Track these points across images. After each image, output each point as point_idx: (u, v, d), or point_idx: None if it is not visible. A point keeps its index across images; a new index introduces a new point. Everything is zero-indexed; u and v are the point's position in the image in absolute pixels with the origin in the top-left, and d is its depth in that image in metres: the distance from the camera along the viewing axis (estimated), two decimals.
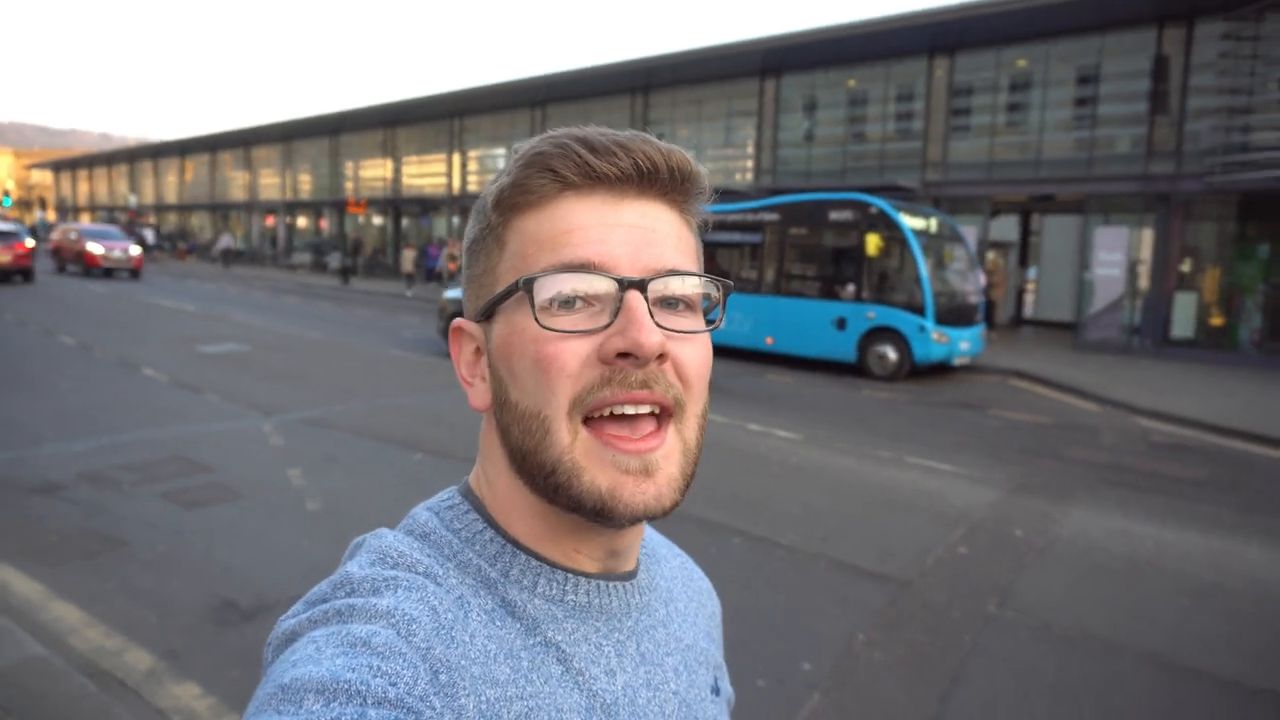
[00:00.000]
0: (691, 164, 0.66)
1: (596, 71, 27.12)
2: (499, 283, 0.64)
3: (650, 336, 0.59)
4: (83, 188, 70.00)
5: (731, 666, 3.92)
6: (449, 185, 34.49)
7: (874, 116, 22.55)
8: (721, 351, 15.36)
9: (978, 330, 13.92)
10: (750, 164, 25.43)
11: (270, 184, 46.31)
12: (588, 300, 0.61)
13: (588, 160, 0.62)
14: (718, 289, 0.67)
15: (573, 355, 0.60)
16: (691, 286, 0.64)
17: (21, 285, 23.13)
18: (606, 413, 0.60)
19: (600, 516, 0.60)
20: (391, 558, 0.61)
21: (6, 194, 59.74)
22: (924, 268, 12.84)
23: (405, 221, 37.88)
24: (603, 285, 0.61)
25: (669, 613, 0.74)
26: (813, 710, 3.57)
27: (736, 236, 15.37)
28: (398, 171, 37.65)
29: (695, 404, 0.64)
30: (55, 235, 30.07)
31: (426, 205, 35.76)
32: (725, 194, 22.44)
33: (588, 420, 0.60)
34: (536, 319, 0.60)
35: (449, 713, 0.53)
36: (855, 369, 13.56)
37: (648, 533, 0.82)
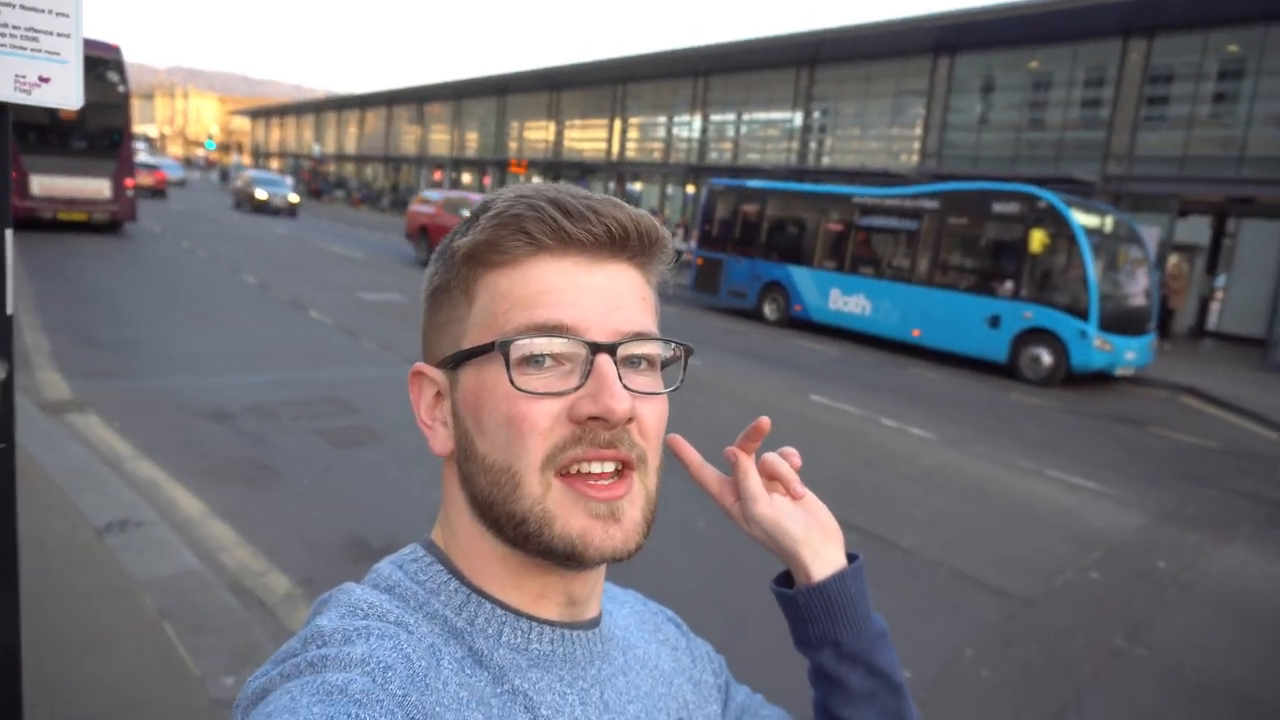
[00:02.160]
0: (659, 230, 0.68)
1: (760, 43, 26.68)
2: (466, 335, 0.66)
3: (621, 404, 0.61)
4: (274, 135, 75.53)
5: None
6: (608, 150, 34.96)
7: (1055, 102, 21.15)
8: (865, 340, 14.98)
9: (1147, 340, 12.93)
10: (916, 146, 24.45)
11: (440, 140, 48.40)
12: (558, 360, 0.63)
13: (562, 225, 0.63)
14: (677, 351, 0.70)
15: (545, 414, 0.62)
16: (654, 348, 0.67)
17: (166, 203, 28.60)
18: (574, 470, 0.63)
19: (570, 560, 0.63)
20: (362, 609, 0.62)
21: (210, 138, 65.18)
22: (1092, 269, 12.01)
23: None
24: (574, 347, 0.63)
25: (627, 661, 0.75)
26: None
27: (892, 222, 14.85)
28: (559, 134, 38.48)
29: (654, 457, 0.67)
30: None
31: (585, 169, 36.45)
32: (886, 177, 21.71)
33: (560, 473, 0.63)
34: (512, 381, 0.62)
35: None
36: (1005, 370, 12.90)
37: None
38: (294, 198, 34.49)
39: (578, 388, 0.62)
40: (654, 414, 0.66)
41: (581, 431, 0.62)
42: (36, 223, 16.81)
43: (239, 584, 3.96)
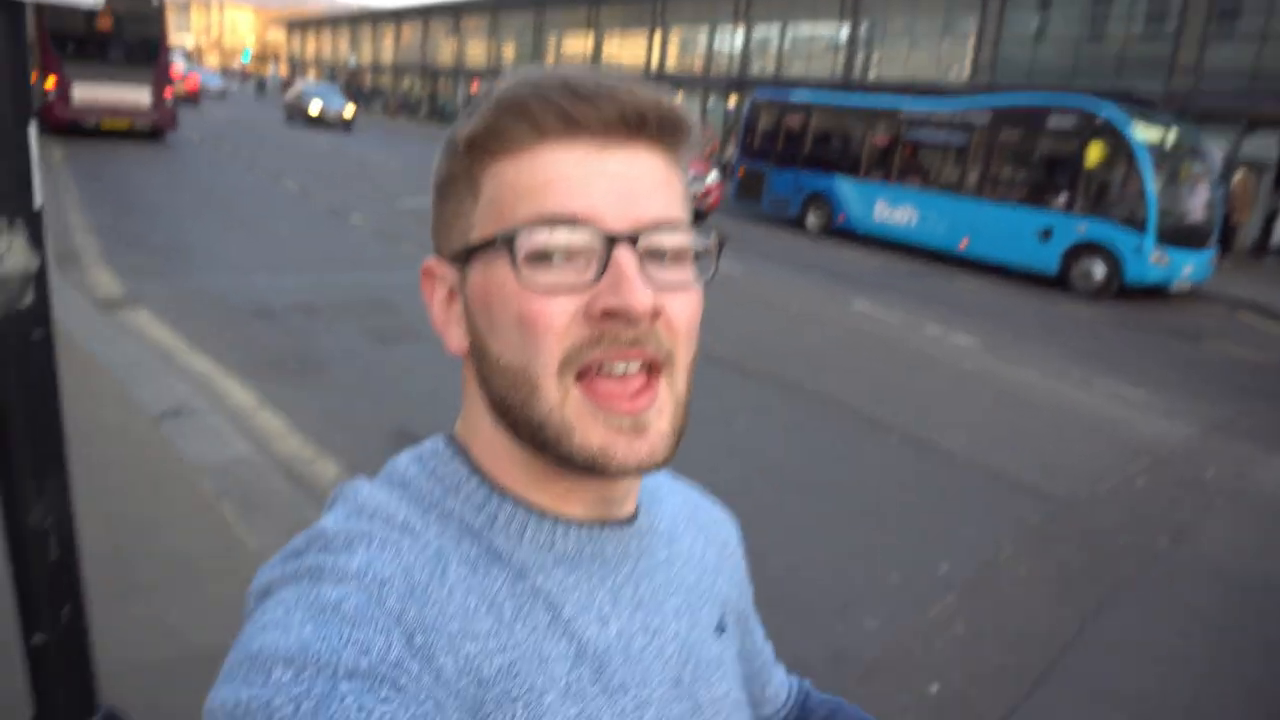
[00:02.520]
0: (681, 111, 0.61)
1: None
2: (473, 229, 0.61)
3: (642, 298, 0.56)
4: (310, 46, 74.73)
5: (866, 557, 3.89)
6: (648, 63, 34.10)
7: (1118, 14, 20.05)
8: (910, 251, 14.70)
9: (1207, 255, 12.49)
10: (968, 60, 23.43)
11: (477, 53, 47.54)
12: (572, 255, 0.58)
13: (569, 108, 0.57)
14: (709, 240, 0.63)
15: (560, 312, 0.57)
16: (681, 239, 0.61)
17: (203, 113, 28.72)
18: (597, 371, 0.58)
19: (591, 473, 0.59)
20: (367, 510, 0.60)
21: (247, 49, 64.74)
22: (1151, 182, 11.56)
23: None
24: (588, 239, 0.57)
25: (671, 554, 0.72)
26: (943, 609, 3.53)
27: (942, 135, 14.40)
28: (598, 47, 37.55)
29: (685, 355, 0.62)
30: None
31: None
32: (936, 91, 20.92)
33: (579, 376, 0.58)
34: (518, 276, 0.57)
35: (427, 675, 0.51)
36: (1055, 283, 12.59)
37: None
38: (349, 111, 32.53)
39: (594, 281, 0.57)
40: (683, 309, 0.60)
41: (601, 330, 0.57)
42: (80, 130, 16.95)
43: (291, 470, 4.06)
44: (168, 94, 18.34)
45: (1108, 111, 12.04)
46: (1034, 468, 5.21)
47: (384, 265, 9.12)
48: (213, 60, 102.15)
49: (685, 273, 0.61)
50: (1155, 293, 12.48)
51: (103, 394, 4.57)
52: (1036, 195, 12.93)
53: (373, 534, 0.57)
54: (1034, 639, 3.43)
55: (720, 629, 0.74)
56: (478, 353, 0.63)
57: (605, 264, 0.57)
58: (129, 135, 17.88)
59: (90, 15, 16.67)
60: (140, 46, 17.53)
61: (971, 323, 9.34)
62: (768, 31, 30.12)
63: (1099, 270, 12.01)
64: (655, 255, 0.59)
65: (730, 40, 31.22)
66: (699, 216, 13.34)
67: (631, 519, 0.68)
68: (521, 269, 0.57)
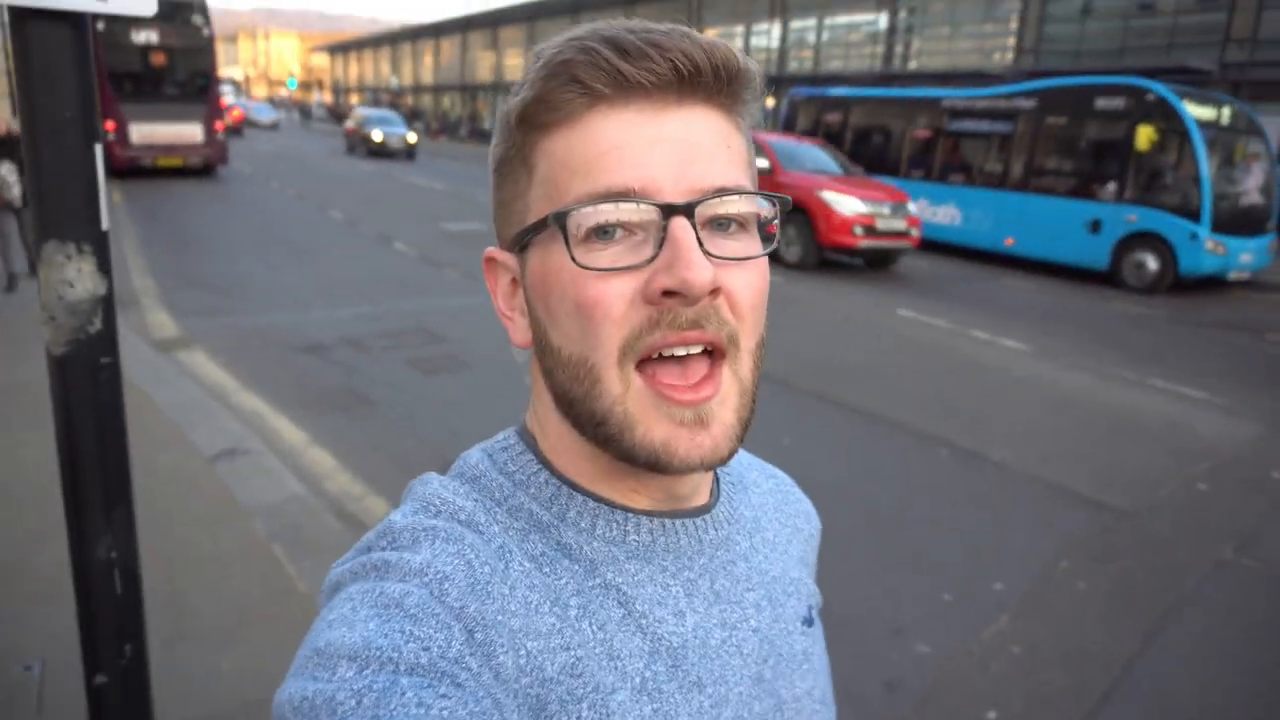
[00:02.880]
0: (739, 59, 0.57)
1: None
2: (529, 211, 0.59)
3: (700, 274, 0.53)
4: (353, 70, 76.24)
5: (918, 577, 3.83)
6: None
7: None
8: (955, 252, 14.46)
9: (1266, 241, 12.07)
10: (1011, 43, 22.98)
11: (515, 65, 48.00)
12: (628, 229, 0.55)
13: (620, 67, 0.54)
14: (773, 205, 0.60)
15: (618, 297, 0.55)
16: (745, 203, 0.58)
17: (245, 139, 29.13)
18: (656, 355, 0.56)
19: (654, 469, 0.57)
20: (434, 505, 0.59)
21: (292, 76, 66.36)
22: (1205, 165, 11.20)
23: None
24: (644, 213, 0.55)
25: (753, 544, 0.70)
26: (998, 630, 3.47)
27: (984, 125, 14.12)
28: None
29: (750, 338, 0.59)
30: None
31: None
32: (979, 78, 20.56)
33: (640, 365, 0.56)
34: (573, 257, 0.55)
35: (487, 672, 0.51)
36: (1106, 278, 12.27)
37: (738, 456, 0.77)
38: (412, 137, 30.77)
39: (651, 259, 0.54)
40: (748, 284, 0.57)
41: (660, 313, 0.55)
42: (137, 170, 17.50)
43: (341, 508, 4.15)
44: (219, 128, 18.86)
45: (1158, 90, 11.70)
46: (1090, 477, 5.09)
47: (429, 291, 9.26)
48: (260, 90, 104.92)
49: (750, 242, 0.58)
50: (1212, 283, 12.10)
51: (159, 436, 4.72)
52: (1083, 186, 12.61)
53: (437, 530, 0.57)
54: (1094, 658, 3.35)
55: (808, 622, 0.73)
56: (540, 345, 0.61)
57: (662, 239, 0.54)
58: (182, 172, 18.42)
59: (145, 51, 17.27)
60: (191, 81, 18.05)
61: (1020, 325, 9.16)
62: (804, 25, 29.89)
63: (1152, 262, 11.67)
64: (718, 225, 0.57)
65: (767, 36, 31.06)
66: (884, 259, 12.83)
67: (707, 508, 0.67)
68: (575, 251, 0.55)
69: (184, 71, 17.92)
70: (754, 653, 0.65)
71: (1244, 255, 11.64)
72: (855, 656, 3.31)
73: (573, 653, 0.55)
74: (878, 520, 4.45)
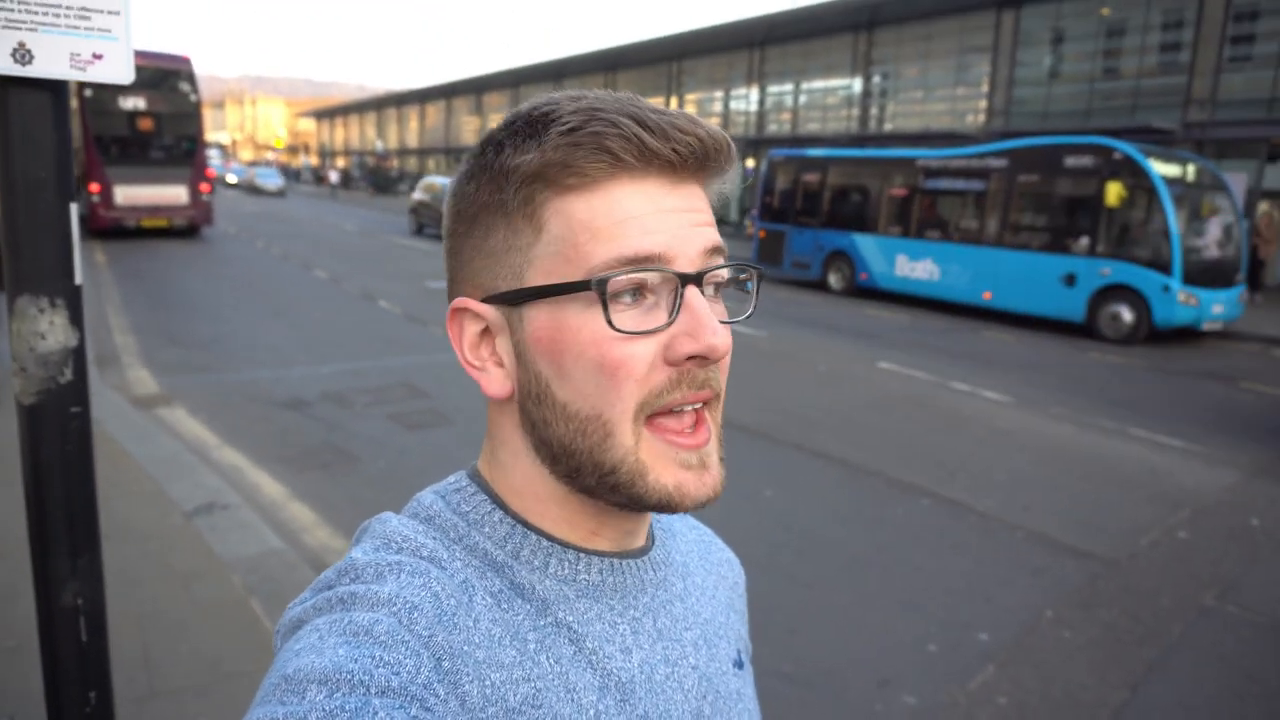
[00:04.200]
0: (731, 145, 0.63)
1: (817, 9, 26.15)
2: (532, 266, 0.60)
3: (723, 340, 0.58)
4: (339, 134, 77.29)
5: (903, 628, 3.81)
6: None
7: (1130, 49, 20.22)
8: (935, 306, 14.65)
9: (1235, 293, 12.32)
10: (982, 105, 23.69)
11: None
12: (642, 293, 0.59)
13: (646, 142, 0.57)
14: (752, 276, 0.66)
15: (641, 359, 0.58)
16: (728, 271, 0.63)
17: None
18: (666, 410, 0.60)
19: (661, 510, 0.60)
20: (395, 542, 0.60)
21: (278, 141, 67.23)
22: (1174, 220, 11.48)
23: None
24: (661, 280, 0.59)
25: (686, 587, 0.73)
26: (985, 681, 3.44)
27: (959, 184, 14.46)
28: None
29: (724, 388, 0.64)
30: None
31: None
32: (951, 138, 21.12)
33: (648, 421, 0.60)
34: (610, 321, 0.57)
35: (453, 699, 0.52)
36: (1083, 330, 12.46)
37: None
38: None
39: (668, 324, 0.58)
40: (729, 344, 0.61)
41: (680, 375, 0.59)
42: (122, 231, 17.57)
43: (320, 561, 4.10)
44: (205, 190, 19.03)
45: (1124, 149, 12.03)
46: (1072, 525, 5.10)
47: (412, 349, 9.28)
48: (247, 153, 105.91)
49: (722, 304, 0.63)
50: (1187, 334, 12.31)
51: (137, 491, 4.67)
52: (1057, 240, 12.88)
53: (402, 564, 0.58)
54: (1082, 708, 3.32)
55: (738, 664, 0.75)
56: (533, 398, 0.61)
57: (675, 303, 0.58)
58: (166, 233, 18.51)
59: (132, 117, 17.49)
60: (178, 145, 18.27)
61: (1000, 377, 9.26)
62: (782, 90, 30.69)
63: (1127, 314, 11.87)
64: (712, 289, 0.62)
65: (746, 100, 31.84)
66: None
67: (645, 550, 0.69)
68: (612, 313, 0.57)
69: (171, 135, 18.15)
70: (694, 689, 0.67)
71: (1215, 306, 11.87)
72: (840, 708, 3.27)
73: (533, 684, 0.57)
74: (860, 570, 4.43)
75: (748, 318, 0.65)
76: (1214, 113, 18.37)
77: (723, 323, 0.60)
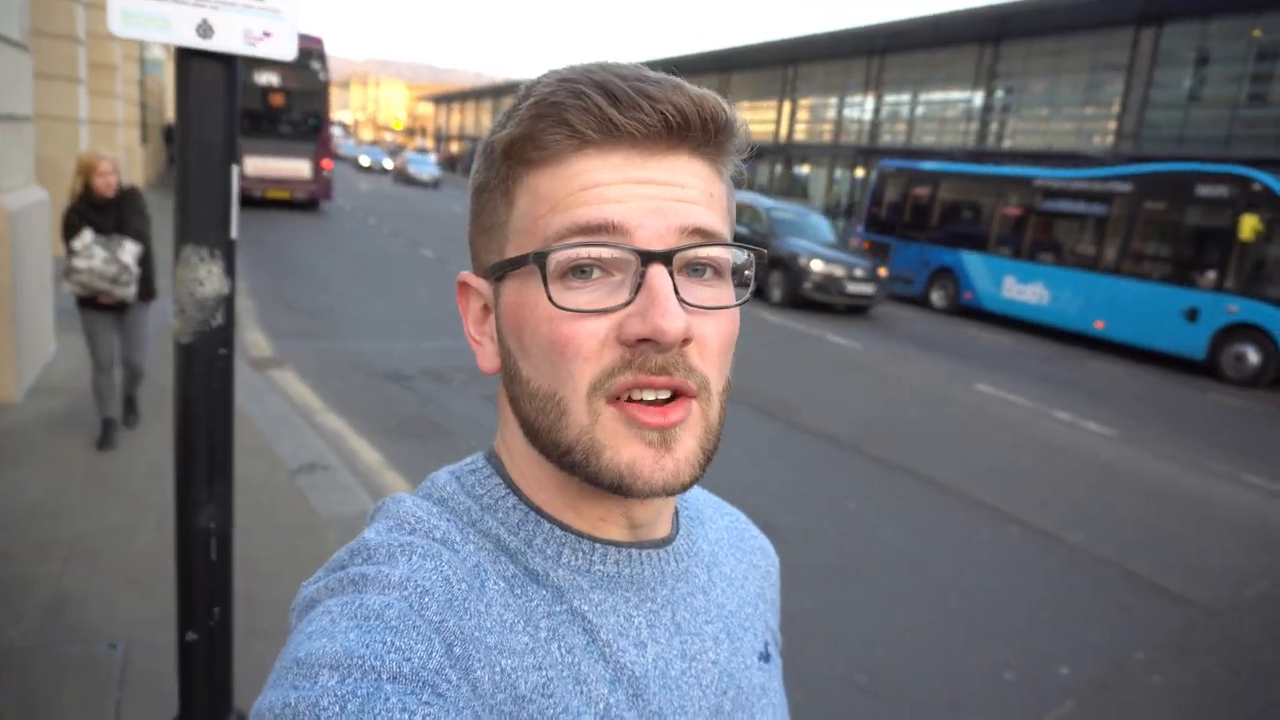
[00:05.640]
0: (726, 112, 0.58)
1: (943, 19, 25.47)
2: (507, 242, 0.60)
3: (673, 323, 0.53)
4: (455, 119, 79.56)
5: (980, 652, 3.74)
6: (776, 132, 34.55)
7: None
8: (1040, 331, 14.14)
9: None
10: (1111, 126, 22.62)
11: None
12: (607, 269, 0.56)
13: (609, 115, 0.54)
14: (748, 257, 0.61)
15: (590, 337, 0.55)
16: (720, 253, 0.58)
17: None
18: (626, 396, 0.56)
19: (617, 492, 0.57)
20: (409, 523, 0.59)
21: (396, 121, 69.57)
22: None
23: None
24: (623, 256, 0.55)
25: (711, 578, 0.70)
26: (1062, 716, 3.34)
27: (1079, 207, 13.91)
28: None
29: (718, 382, 0.59)
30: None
31: (754, 152, 36.01)
32: (1074, 159, 20.28)
33: (611, 400, 0.57)
34: (550, 298, 0.55)
35: (465, 685, 0.51)
36: (1203, 368, 11.83)
37: (694, 492, 0.78)
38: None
39: (627, 303, 0.55)
40: (718, 333, 0.58)
41: (633, 355, 0.55)
42: (247, 200, 18.54)
43: None
44: (327, 165, 19.89)
45: (1264, 180, 11.35)
46: (1172, 568, 4.88)
47: None
48: (367, 134, 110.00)
49: (723, 290, 0.59)
50: None
51: (250, 445, 4.94)
52: (1181, 272, 12.26)
53: (414, 546, 0.57)
54: None
55: (764, 657, 0.72)
56: (508, 374, 0.61)
57: (639, 284, 0.55)
58: (288, 204, 19.43)
59: (265, 92, 18.44)
60: (305, 121, 19.15)
61: (1106, 409, 8.88)
62: (899, 100, 30.06)
63: (1253, 355, 11.21)
64: (694, 270, 0.58)
65: (860, 109, 31.31)
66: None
67: (668, 540, 0.67)
68: (553, 290, 0.55)
69: (299, 112, 19.02)
70: (713, 685, 0.65)
71: None
72: None
73: (544, 673, 0.56)
74: (942, 590, 4.35)
75: (739, 305, 0.60)
76: None
77: (703, 308, 0.57)
